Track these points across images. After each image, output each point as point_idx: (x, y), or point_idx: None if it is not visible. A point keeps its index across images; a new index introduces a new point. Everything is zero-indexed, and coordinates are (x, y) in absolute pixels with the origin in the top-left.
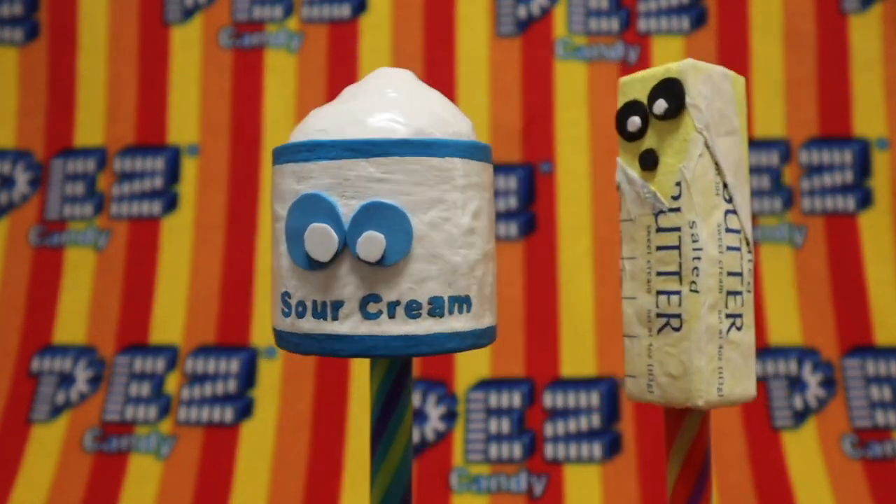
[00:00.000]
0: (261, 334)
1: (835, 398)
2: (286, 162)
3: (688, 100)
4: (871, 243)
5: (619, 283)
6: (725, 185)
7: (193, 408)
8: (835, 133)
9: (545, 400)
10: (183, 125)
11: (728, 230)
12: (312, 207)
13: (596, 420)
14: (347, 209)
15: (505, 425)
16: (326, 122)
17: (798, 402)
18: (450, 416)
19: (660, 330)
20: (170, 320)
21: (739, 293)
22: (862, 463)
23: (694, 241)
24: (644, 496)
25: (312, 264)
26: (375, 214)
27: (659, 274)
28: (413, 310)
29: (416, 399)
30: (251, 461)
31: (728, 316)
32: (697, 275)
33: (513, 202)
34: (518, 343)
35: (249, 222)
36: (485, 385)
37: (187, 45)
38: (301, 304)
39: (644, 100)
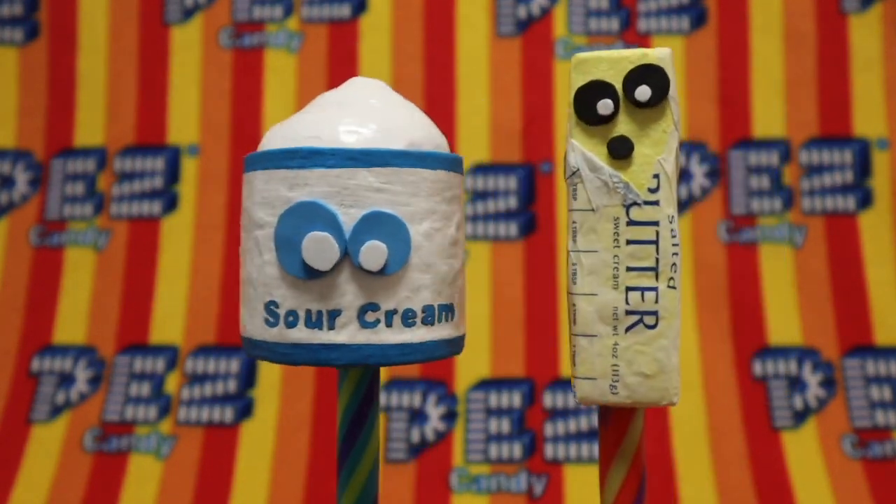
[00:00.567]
0: None
1: (835, 398)
2: (274, 168)
3: (670, 91)
4: (871, 243)
5: (569, 278)
6: (679, 178)
7: (193, 408)
8: (835, 133)
9: (545, 400)
10: (183, 125)
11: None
12: (310, 215)
13: (596, 420)
14: (347, 218)
15: (505, 425)
16: (318, 130)
17: (798, 402)
18: (450, 416)
19: (629, 328)
20: (170, 320)
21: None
22: (862, 463)
23: (673, 236)
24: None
25: (310, 273)
26: (376, 224)
27: (630, 269)
28: (409, 318)
29: (416, 399)
30: (251, 461)
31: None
32: (676, 271)
33: (513, 202)
34: (518, 343)
35: None
36: (485, 385)
37: (187, 45)
38: (292, 313)
39: (614, 82)
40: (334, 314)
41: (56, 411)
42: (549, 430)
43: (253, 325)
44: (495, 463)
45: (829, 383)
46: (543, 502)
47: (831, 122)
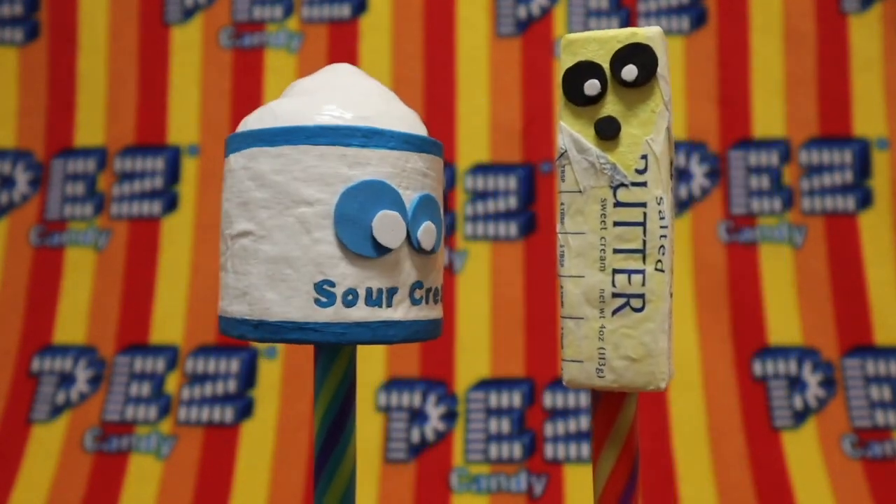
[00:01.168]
0: None
1: (835, 398)
2: (329, 144)
3: (658, 69)
4: (871, 243)
5: (558, 260)
6: (671, 163)
7: (193, 408)
8: (835, 133)
9: (545, 400)
10: (183, 125)
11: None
12: (376, 195)
13: None
14: (406, 199)
15: (505, 425)
16: (368, 111)
17: (798, 402)
18: (450, 416)
19: (616, 311)
20: (170, 320)
21: (671, 273)
22: (862, 463)
23: (661, 219)
24: (644, 494)
25: (379, 251)
26: (426, 207)
27: (617, 251)
28: (437, 296)
29: (416, 399)
30: (251, 461)
31: (670, 295)
32: (664, 253)
33: (513, 202)
34: (518, 343)
35: None
36: (485, 385)
37: (187, 45)
38: (351, 291)
39: (602, 62)
40: (392, 291)
41: (56, 411)
42: (549, 430)
43: (290, 306)
44: (495, 463)
45: (829, 383)
46: (543, 502)
47: (831, 122)
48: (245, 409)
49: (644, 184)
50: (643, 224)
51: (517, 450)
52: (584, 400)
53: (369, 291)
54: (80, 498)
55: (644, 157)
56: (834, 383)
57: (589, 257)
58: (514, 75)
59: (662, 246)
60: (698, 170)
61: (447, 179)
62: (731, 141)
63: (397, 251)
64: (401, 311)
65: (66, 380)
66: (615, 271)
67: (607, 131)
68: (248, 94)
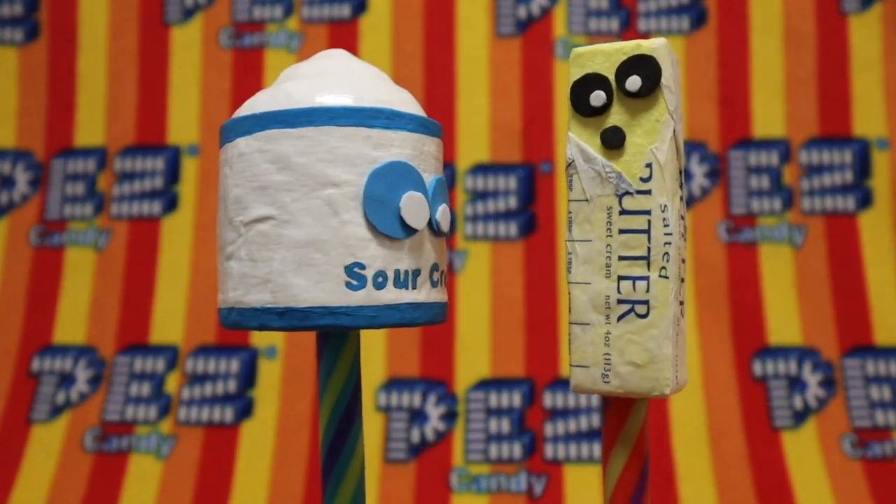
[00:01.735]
0: (261, 334)
1: (835, 398)
2: (354, 125)
3: (662, 80)
4: (871, 243)
5: (566, 267)
6: (681, 171)
7: (193, 408)
8: (835, 133)
9: (545, 400)
10: (183, 125)
11: (681, 217)
12: (402, 176)
13: (596, 420)
14: (426, 181)
15: (505, 425)
16: (383, 94)
17: (798, 402)
18: (450, 416)
19: (621, 317)
20: (170, 320)
21: (684, 280)
22: (862, 463)
23: (665, 226)
24: None
25: (406, 232)
26: (441, 189)
27: (622, 258)
28: (445, 278)
29: (416, 399)
30: (251, 461)
31: (680, 303)
32: (668, 260)
33: (513, 202)
34: (518, 343)
35: None
36: (485, 385)
37: (187, 45)
38: (381, 274)
39: (608, 74)
40: (416, 273)
41: (56, 411)
42: (549, 430)
43: (321, 290)
44: (495, 463)
45: (828, 383)
46: (543, 502)
47: (831, 122)
48: (245, 409)
49: (648, 192)
50: (648, 231)
51: (517, 450)
52: (585, 400)
53: (397, 273)
54: (80, 498)
55: (648, 165)
56: (834, 383)
57: (595, 264)
58: (514, 75)
59: (667, 253)
60: (698, 170)
61: (447, 179)
62: (731, 141)
63: (420, 233)
64: (423, 293)
65: (66, 380)
66: (620, 278)
67: (612, 141)
68: (248, 94)
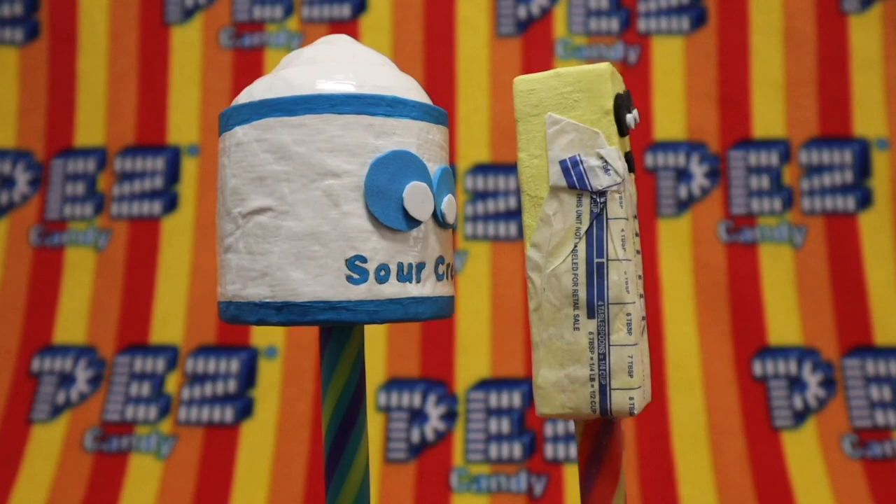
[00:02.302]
0: (261, 334)
1: (835, 398)
2: (354, 113)
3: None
4: (871, 243)
5: (626, 287)
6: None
7: (193, 408)
8: (835, 133)
9: None
10: (183, 125)
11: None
12: (405, 166)
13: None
14: (431, 171)
15: (505, 425)
16: (385, 80)
17: (798, 402)
18: (450, 416)
19: (641, 333)
20: (170, 320)
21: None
22: (862, 463)
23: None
24: (644, 494)
25: (410, 224)
26: (446, 179)
27: (639, 277)
28: (452, 271)
29: (416, 399)
30: (251, 461)
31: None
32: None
33: (513, 202)
34: (518, 343)
35: None
36: (485, 385)
37: (187, 45)
38: (383, 267)
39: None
40: (421, 267)
41: (56, 411)
42: (549, 430)
43: (321, 284)
44: (495, 463)
45: (828, 383)
46: (543, 502)
47: (831, 122)
48: (245, 409)
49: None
50: (640, 252)
51: (517, 450)
52: None
53: (401, 267)
54: (80, 498)
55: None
56: (834, 383)
57: (635, 283)
58: (514, 75)
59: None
60: (698, 170)
61: None
62: (731, 141)
63: (424, 225)
64: (428, 287)
65: (66, 380)
66: (640, 296)
67: (631, 165)
68: None
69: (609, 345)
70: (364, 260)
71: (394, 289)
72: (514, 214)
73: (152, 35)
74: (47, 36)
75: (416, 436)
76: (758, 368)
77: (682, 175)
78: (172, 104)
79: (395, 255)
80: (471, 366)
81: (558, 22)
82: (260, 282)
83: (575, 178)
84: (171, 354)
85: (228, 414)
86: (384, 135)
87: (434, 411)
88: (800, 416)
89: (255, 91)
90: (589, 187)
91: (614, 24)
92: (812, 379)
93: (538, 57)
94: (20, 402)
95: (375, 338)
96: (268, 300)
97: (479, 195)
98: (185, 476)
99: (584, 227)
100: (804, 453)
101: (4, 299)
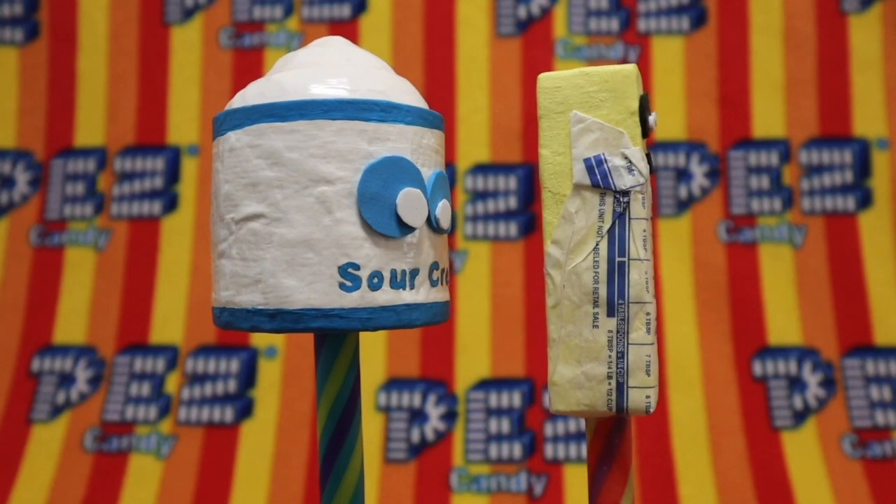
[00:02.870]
0: (260, 334)
1: (835, 398)
2: (347, 118)
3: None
4: (871, 243)
5: (646, 287)
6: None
7: (193, 408)
8: (835, 133)
9: (545, 400)
10: (183, 125)
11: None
12: (399, 171)
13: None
14: (425, 176)
15: (505, 425)
16: (379, 84)
17: (798, 402)
18: (450, 416)
19: (654, 333)
20: (170, 320)
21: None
22: (862, 463)
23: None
24: (644, 494)
25: (403, 230)
26: (441, 185)
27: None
28: (447, 277)
29: (416, 399)
30: (251, 461)
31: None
32: None
33: (513, 202)
34: (518, 343)
35: None
36: (485, 385)
37: (187, 45)
38: (376, 274)
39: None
40: (414, 273)
41: (56, 411)
42: (549, 430)
43: (313, 292)
44: (495, 463)
45: (828, 383)
46: (543, 502)
47: (831, 122)
48: (245, 409)
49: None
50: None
51: (517, 450)
52: None
53: (394, 273)
54: (80, 498)
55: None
56: (834, 383)
57: (651, 284)
58: (514, 75)
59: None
60: (698, 170)
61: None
62: (731, 141)
63: (419, 230)
64: (422, 294)
65: (66, 380)
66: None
67: (652, 166)
68: None
69: (628, 343)
70: (357, 267)
71: (387, 296)
72: (514, 214)
73: (152, 35)
74: (47, 36)
75: (416, 436)
76: (758, 368)
77: (682, 175)
78: (172, 104)
79: (389, 261)
80: (471, 366)
81: (558, 22)
82: (253, 288)
83: (599, 177)
84: (171, 354)
85: (228, 414)
86: (378, 140)
87: (434, 411)
88: (800, 416)
89: (249, 96)
90: (613, 187)
91: (614, 24)
92: (812, 379)
93: (538, 57)
94: (20, 402)
95: (375, 338)
96: (261, 307)
97: (479, 195)
98: (185, 476)
99: (607, 225)
100: (804, 453)
101: (4, 299)
